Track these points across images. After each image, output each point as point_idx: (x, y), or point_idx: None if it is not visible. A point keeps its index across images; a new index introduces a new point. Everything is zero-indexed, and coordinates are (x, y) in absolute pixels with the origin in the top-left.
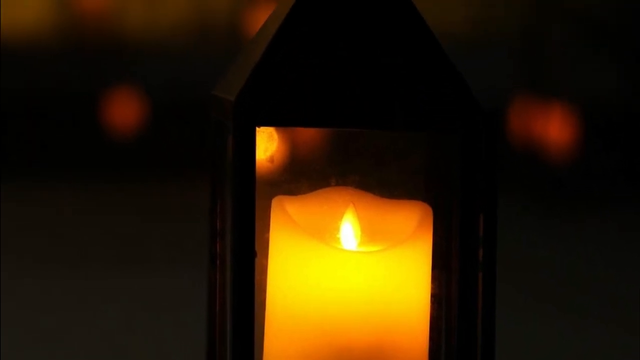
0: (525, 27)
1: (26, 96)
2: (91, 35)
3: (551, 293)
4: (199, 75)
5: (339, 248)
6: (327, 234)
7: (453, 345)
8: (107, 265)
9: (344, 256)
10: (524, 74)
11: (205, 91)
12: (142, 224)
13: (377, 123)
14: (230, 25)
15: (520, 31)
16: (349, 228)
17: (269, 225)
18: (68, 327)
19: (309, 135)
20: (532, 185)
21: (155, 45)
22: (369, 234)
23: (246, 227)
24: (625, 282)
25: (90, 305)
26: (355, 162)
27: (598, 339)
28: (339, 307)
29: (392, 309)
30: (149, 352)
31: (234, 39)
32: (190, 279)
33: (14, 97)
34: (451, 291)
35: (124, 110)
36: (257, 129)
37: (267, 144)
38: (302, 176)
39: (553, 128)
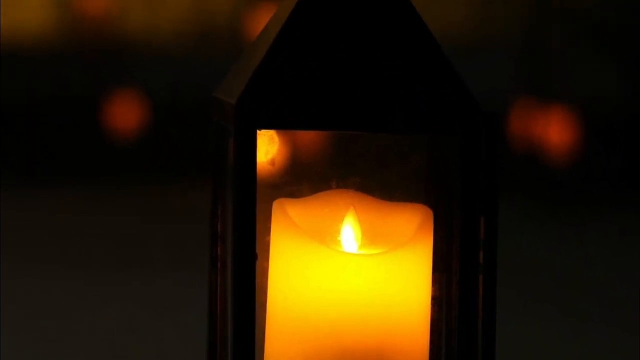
0: (525, 28)
1: (27, 99)
2: (92, 37)
3: (552, 296)
4: (200, 78)
5: (340, 251)
6: (328, 236)
7: (454, 347)
8: (108, 268)
9: (344, 259)
10: (524, 75)
11: (207, 94)
12: (143, 227)
13: (377, 125)
14: (231, 28)
15: (521, 33)
16: (350, 231)
17: (270, 228)
18: (69, 329)
19: (310, 138)
20: (533, 188)
21: (157, 48)
22: (370, 236)
23: (247, 230)
24: (626, 285)
25: (92, 308)
26: (356, 165)
27: (598, 342)
28: (340, 309)
29: (393, 311)
30: (150, 354)
31: (235, 42)
32: (192, 282)
33: (15, 100)
34: (452, 294)
35: (125, 113)
36: (258, 131)
37: (268, 147)
38: (303, 179)
39: (554, 130)
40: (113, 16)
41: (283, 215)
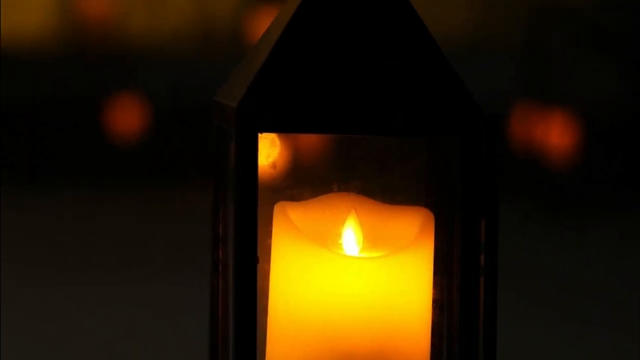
0: (526, 30)
1: (28, 100)
2: (93, 40)
3: (552, 299)
4: (202, 81)
5: (341, 254)
6: (329, 239)
7: (454, 350)
8: (109, 271)
9: (346, 262)
10: (524, 77)
11: (208, 97)
12: (144, 230)
13: (378, 127)
14: (232, 31)
15: (521, 34)
16: (351, 234)
17: (271, 231)
18: (69, 330)
19: (311, 141)
20: (533, 191)
21: (158, 50)
22: (371, 239)
23: (248, 233)
24: (626, 288)
25: (92, 308)
26: (357, 168)
27: (600, 345)
28: (341, 312)
29: (393, 314)
30: (151, 357)
31: (237, 45)
32: (193, 285)
33: (15, 101)
34: (453, 296)
35: (126, 116)
36: (260, 135)
37: (270, 150)
38: (304, 182)
39: (554, 133)
40: (114, 19)
41: (284, 218)
